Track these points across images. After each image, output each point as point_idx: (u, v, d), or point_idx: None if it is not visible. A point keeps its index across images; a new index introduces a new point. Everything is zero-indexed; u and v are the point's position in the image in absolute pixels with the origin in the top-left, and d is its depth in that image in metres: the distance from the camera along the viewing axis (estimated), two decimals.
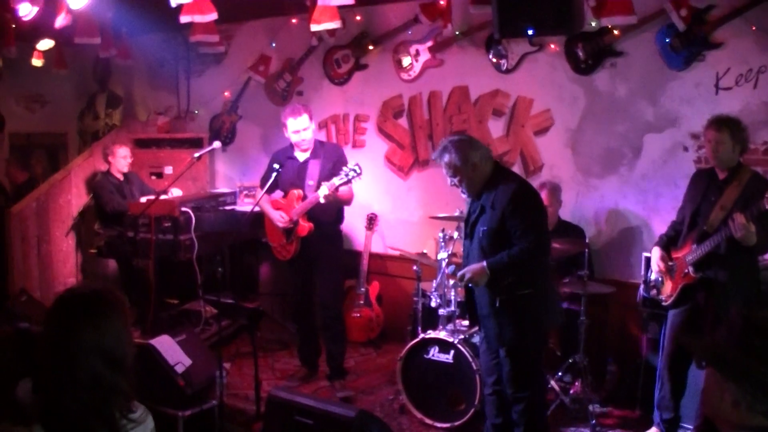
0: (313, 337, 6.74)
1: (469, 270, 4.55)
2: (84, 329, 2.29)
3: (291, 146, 6.50)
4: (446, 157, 4.60)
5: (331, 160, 6.38)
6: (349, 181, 6.03)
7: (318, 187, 6.14)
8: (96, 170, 8.66)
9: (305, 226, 6.28)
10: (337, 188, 6.02)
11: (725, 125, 4.87)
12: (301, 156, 6.45)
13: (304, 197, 6.28)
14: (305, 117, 6.31)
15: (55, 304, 2.38)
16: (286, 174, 6.43)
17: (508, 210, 4.50)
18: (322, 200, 6.04)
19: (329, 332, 6.54)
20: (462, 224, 5.21)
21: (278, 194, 6.55)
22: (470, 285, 4.65)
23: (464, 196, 4.73)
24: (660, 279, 5.29)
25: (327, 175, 6.23)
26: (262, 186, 6.58)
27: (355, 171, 6.01)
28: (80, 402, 2.25)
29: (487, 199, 4.58)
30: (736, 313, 2.32)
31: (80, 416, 2.25)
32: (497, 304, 4.57)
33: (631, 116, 6.47)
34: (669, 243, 5.32)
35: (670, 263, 5.20)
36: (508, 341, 4.65)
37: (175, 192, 7.89)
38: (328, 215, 6.40)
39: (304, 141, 6.35)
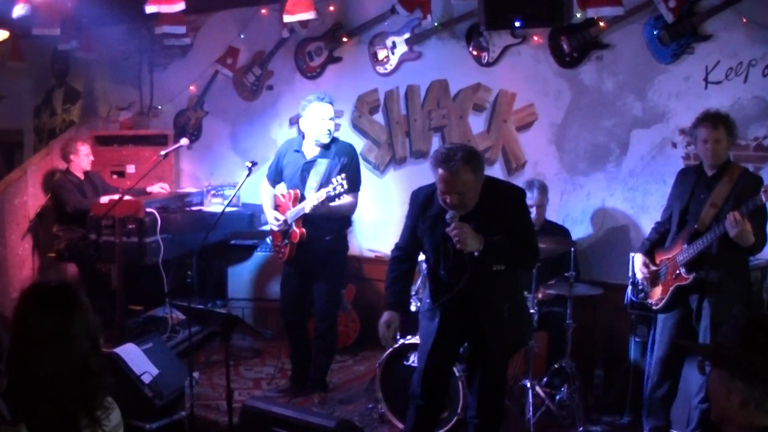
0: (305, 349, 6.51)
1: (465, 230, 4.22)
2: (75, 314, 2.48)
3: (300, 139, 6.28)
4: (468, 170, 4.21)
5: (341, 161, 6.06)
6: (336, 197, 5.74)
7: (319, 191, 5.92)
8: (54, 169, 8.58)
9: (296, 232, 6.09)
10: (324, 202, 5.78)
11: (720, 122, 4.91)
12: (309, 152, 6.15)
13: (302, 199, 6.07)
14: (331, 105, 6.09)
15: (35, 298, 2.54)
16: (289, 167, 6.23)
17: (513, 215, 4.46)
18: (307, 210, 5.87)
19: (322, 342, 6.40)
20: None
21: (282, 188, 6.37)
22: (456, 240, 4.25)
23: (451, 212, 4.29)
24: (647, 283, 5.35)
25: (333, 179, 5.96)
26: (267, 176, 6.41)
27: (342, 186, 5.70)
28: (69, 389, 2.41)
29: (485, 210, 4.37)
30: (739, 312, 2.37)
31: (68, 405, 2.41)
32: (504, 313, 4.51)
33: (617, 111, 6.51)
34: (653, 247, 5.36)
35: (654, 269, 5.25)
36: (513, 346, 4.77)
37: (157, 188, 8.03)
38: (331, 221, 6.12)
39: (329, 132, 6.05)
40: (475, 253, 4.26)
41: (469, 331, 4.64)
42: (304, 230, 6.07)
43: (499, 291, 4.52)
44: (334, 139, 6.19)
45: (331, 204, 5.82)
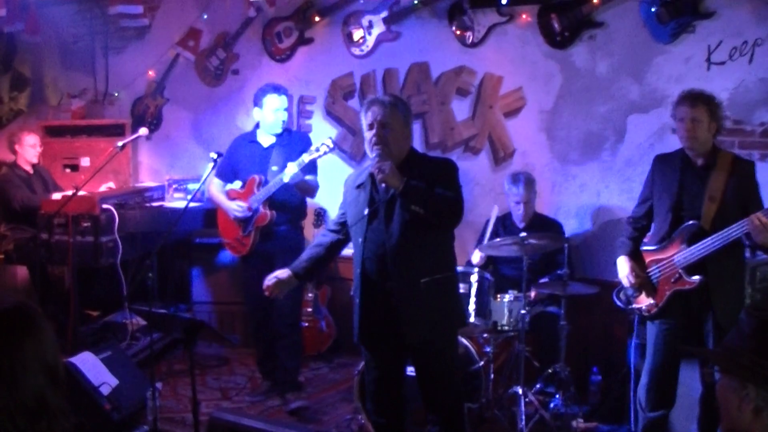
0: (272, 346, 6.59)
1: (389, 164, 4.35)
2: (27, 344, 2.22)
3: (254, 131, 6.56)
4: (397, 110, 4.50)
5: (298, 148, 6.32)
6: (319, 156, 6.07)
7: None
8: (0, 162, 8.49)
9: (266, 214, 6.31)
10: (305, 167, 6.10)
11: (700, 100, 4.78)
12: (265, 141, 6.47)
13: (265, 183, 6.30)
14: (285, 96, 6.48)
15: None
16: (246, 159, 6.46)
17: (439, 179, 4.49)
18: (286, 179, 6.04)
19: (284, 342, 6.42)
20: None
21: (236, 184, 6.57)
22: (377, 171, 4.37)
23: (374, 157, 4.44)
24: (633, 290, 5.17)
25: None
26: (217, 174, 6.56)
27: (327, 146, 6.03)
28: None
29: (415, 173, 4.44)
30: (746, 314, 2.36)
31: None
32: (421, 287, 4.45)
33: (613, 95, 6.50)
34: (636, 246, 5.21)
35: (647, 272, 5.09)
36: (428, 331, 4.53)
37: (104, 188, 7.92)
38: (291, 206, 6.45)
39: (282, 123, 6.43)
40: (393, 191, 4.40)
41: (386, 317, 4.56)
42: (273, 212, 6.33)
43: (419, 262, 4.49)
44: (287, 129, 6.57)
45: (307, 177, 6.22)
